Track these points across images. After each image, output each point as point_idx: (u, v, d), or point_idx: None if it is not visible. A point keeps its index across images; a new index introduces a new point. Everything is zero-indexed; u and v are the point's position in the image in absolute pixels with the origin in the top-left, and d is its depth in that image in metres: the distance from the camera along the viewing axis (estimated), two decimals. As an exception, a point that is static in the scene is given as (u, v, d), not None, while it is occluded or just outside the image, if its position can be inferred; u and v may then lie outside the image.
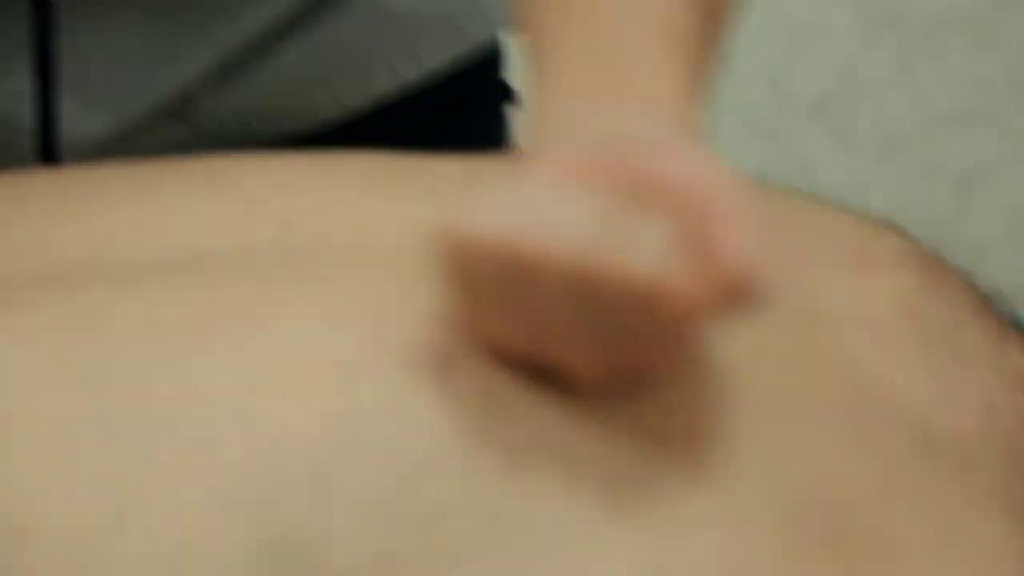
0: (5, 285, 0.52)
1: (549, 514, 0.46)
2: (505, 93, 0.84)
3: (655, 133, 0.48)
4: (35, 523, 0.46)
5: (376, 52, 0.72)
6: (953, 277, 0.59)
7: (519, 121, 0.84)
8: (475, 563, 0.46)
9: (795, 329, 0.52)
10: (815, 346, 0.52)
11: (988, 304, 0.58)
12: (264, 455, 0.47)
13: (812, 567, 0.46)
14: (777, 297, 0.52)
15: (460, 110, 0.80)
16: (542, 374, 0.48)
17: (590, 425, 0.47)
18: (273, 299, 0.51)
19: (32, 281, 0.52)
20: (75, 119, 0.68)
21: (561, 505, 0.46)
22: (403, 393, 0.48)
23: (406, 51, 0.74)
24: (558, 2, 0.54)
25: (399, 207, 0.56)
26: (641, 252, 0.44)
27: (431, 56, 0.77)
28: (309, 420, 0.48)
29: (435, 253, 0.46)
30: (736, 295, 0.44)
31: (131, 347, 0.49)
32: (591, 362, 0.47)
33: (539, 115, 0.51)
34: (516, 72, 0.83)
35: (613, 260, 0.44)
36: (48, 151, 0.69)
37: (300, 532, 0.46)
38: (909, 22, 1.83)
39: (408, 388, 0.48)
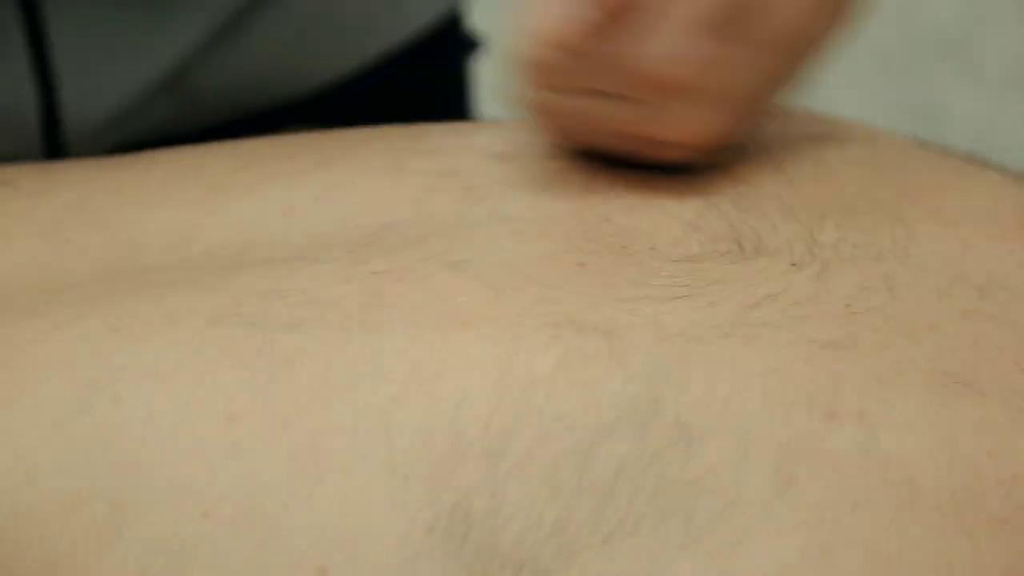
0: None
1: (719, 487, 0.46)
2: (471, 45, 0.86)
3: None
4: (216, 495, 0.47)
5: (365, 14, 0.72)
6: None
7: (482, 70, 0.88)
8: (645, 534, 0.46)
9: (963, 300, 0.52)
10: (983, 319, 0.51)
11: None
12: (440, 427, 0.48)
13: (986, 545, 0.46)
14: (946, 265, 0.53)
15: (435, 66, 0.82)
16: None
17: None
18: (417, 276, 0.52)
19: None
20: (77, 102, 0.68)
21: (731, 478, 0.46)
22: (579, 360, 0.49)
23: (395, 11, 0.75)
24: None
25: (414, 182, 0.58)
26: None
27: (419, 15, 0.77)
28: (484, 390, 0.48)
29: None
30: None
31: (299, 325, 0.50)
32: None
33: None
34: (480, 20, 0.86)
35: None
36: (53, 137, 0.69)
37: (474, 505, 0.46)
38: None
39: (583, 354, 0.49)
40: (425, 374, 0.48)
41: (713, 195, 0.56)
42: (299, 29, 0.70)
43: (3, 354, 0.50)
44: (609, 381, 0.48)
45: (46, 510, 0.47)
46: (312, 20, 0.70)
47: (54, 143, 0.69)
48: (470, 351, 0.49)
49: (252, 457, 0.47)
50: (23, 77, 0.68)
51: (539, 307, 0.50)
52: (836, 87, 1.77)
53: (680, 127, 0.55)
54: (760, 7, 0.54)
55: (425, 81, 0.79)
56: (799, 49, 0.56)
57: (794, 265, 0.52)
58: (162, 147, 0.62)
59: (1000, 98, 1.78)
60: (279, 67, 0.70)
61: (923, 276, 0.53)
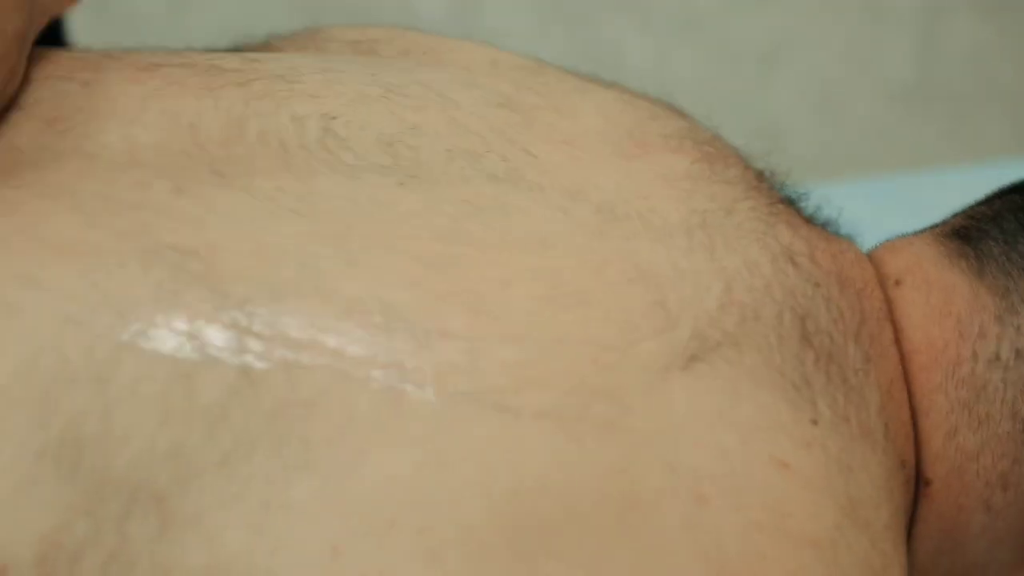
0: None
1: (332, 408, 0.47)
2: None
3: None
4: None
5: None
6: (728, 155, 0.60)
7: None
8: (263, 455, 0.46)
9: (576, 216, 0.54)
10: (593, 235, 0.53)
11: (760, 180, 0.60)
12: (43, 353, 0.47)
13: (592, 447, 0.48)
14: (560, 184, 0.55)
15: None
16: None
17: None
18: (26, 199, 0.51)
19: None
20: None
21: (342, 398, 0.47)
22: (176, 283, 0.49)
23: None
24: None
25: None
26: None
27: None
28: (84, 316, 0.48)
29: None
30: None
31: None
32: None
33: None
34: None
35: None
36: None
37: (85, 429, 0.47)
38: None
39: (181, 277, 0.49)
40: (20, 303, 0.48)
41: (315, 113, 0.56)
42: None
43: None
44: (207, 302, 0.48)
45: None
46: None
47: None
48: (66, 280, 0.48)
49: None
50: None
51: (136, 234, 0.50)
52: (511, 33, 1.83)
53: None
54: None
55: None
56: None
57: (402, 184, 0.53)
58: None
59: (669, 41, 1.83)
60: None
61: (536, 195, 0.54)
